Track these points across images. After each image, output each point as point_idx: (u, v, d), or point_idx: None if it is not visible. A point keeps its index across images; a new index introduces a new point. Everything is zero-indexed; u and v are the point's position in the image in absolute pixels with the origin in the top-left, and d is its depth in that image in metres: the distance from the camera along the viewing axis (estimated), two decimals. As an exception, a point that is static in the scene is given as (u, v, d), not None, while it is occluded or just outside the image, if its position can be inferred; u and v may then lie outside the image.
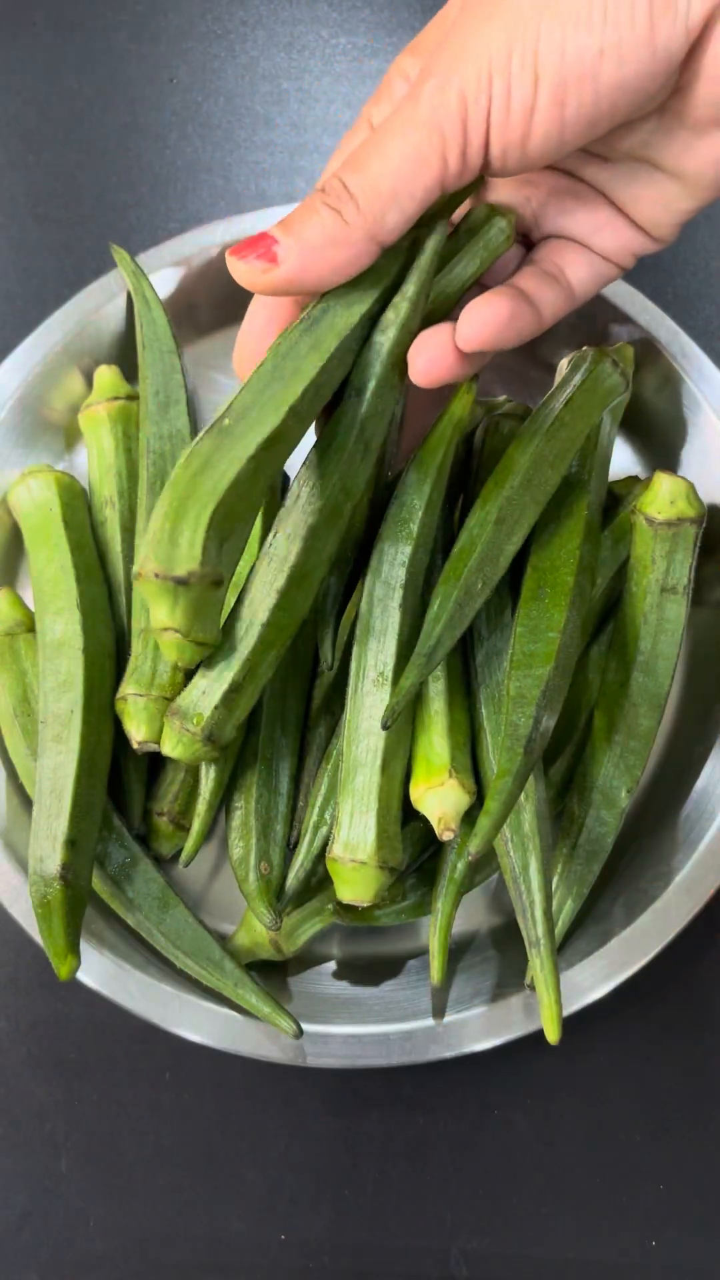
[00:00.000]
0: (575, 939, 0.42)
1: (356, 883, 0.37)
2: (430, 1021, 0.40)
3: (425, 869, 0.43)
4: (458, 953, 0.43)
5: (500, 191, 0.41)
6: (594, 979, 0.40)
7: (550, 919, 0.38)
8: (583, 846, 0.42)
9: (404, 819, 0.43)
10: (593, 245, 0.40)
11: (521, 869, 0.39)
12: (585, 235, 0.40)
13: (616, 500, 0.48)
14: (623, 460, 0.53)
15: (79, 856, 0.39)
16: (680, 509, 0.43)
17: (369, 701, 0.39)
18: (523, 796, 0.39)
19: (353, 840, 0.38)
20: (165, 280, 0.52)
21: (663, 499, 0.43)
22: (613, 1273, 0.42)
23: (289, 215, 0.34)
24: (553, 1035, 0.37)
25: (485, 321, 0.36)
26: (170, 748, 0.37)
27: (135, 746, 0.40)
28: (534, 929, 0.38)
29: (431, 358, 0.37)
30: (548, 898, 0.38)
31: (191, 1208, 0.43)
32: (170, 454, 0.47)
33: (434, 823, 0.38)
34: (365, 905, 0.37)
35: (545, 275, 0.39)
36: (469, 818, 0.41)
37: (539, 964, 0.37)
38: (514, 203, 0.41)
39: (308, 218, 0.33)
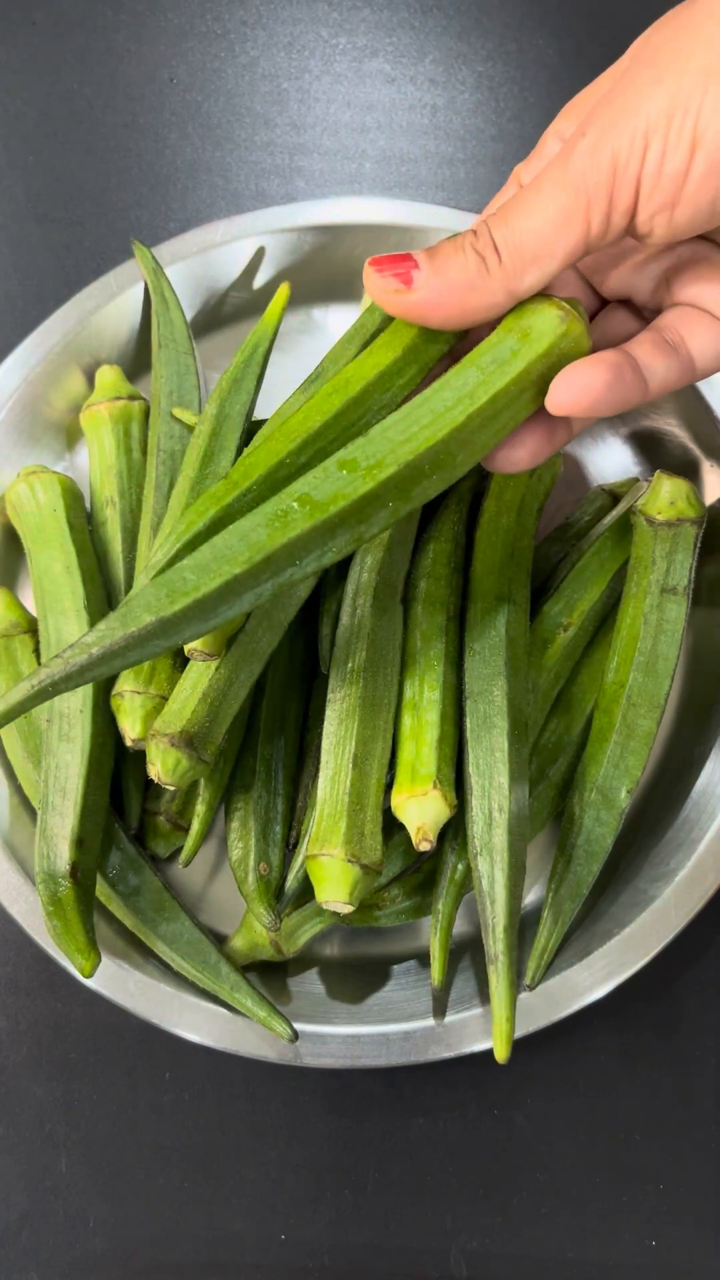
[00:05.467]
0: (575, 939, 0.42)
1: (329, 880, 0.37)
2: (430, 1021, 0.40)
3: (425, 870, 0.43)
4: (457, 953, 0.43)
5: (631, 270, 0.39)
6: (594, 979, 0.40)
7: (511, 937, 0.38)
8: (582, 846, 0.42)
9: (398, 828, 0.43)
10: None
11: (489, 885, 0.38)
12: (717, 305, 0.37)
13: (615, 501, 0.49)
14: (623, 460, 0.53)
15: (87, 855, 0.39)
16: (680, 509, 0.43)
17: (339, 696, 0.40)
18: (498, 810, 0.39)
19: (321, 833, 0.38)
20: (165, 280, 0.52)
21: (663, 499, 0.43)
22: (613, 1273, 0.42)
23: (436, 245, 0.34)
24: (501, 1054, 0.36)
25: (581, 387, 0.34)
26: (157, 770, 0.38)
27: (129, 744, 0.40)
28: (494, 945, 0.38)
29: (516, 434, 0.36)
30: (510, 914, 0.38)
31: (191, 1208, 0.43)
32: (180, 454, 0.47)
33: (412, 832, 0.38)
34: (345, 907, 0.37)
35: (663, 344, 0.36)
36: (459, 828, 0.42)
37: (495, 980, 0.37)
38: (638, 282, 0.39)
39: (453, 255, 0.33)
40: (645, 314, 0.39)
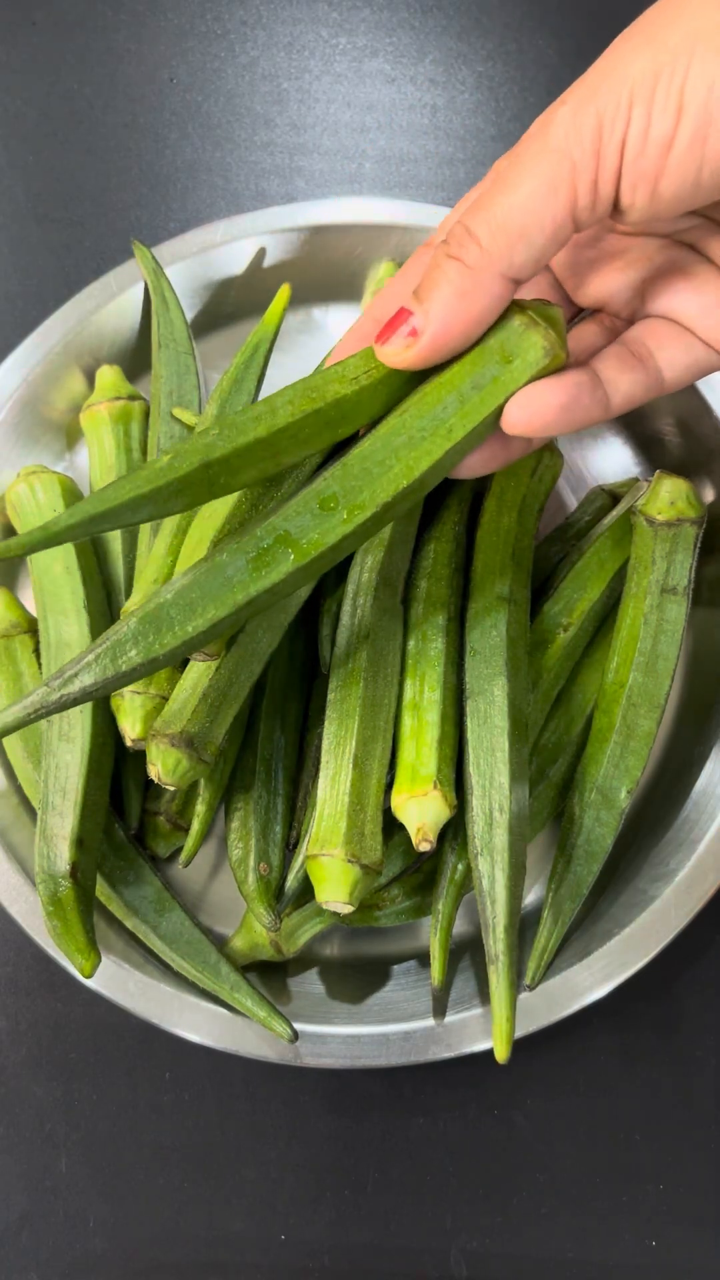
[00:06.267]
0: (575, 939, 0.42)
1: (329, 880, 0.37)
2: (430, 1021, 0.40)
3: (425, 870, 0.43)
4: (457, 953, 0.43)
5: (607, 276, 0.38)
6: (594, 979, 0.40)
7: (511, 937, 0.37)
8: (582, 846, 0.42)
9: (398, 828, 0.43)
10: (696, 329, 0.36)
11: (489, 884, 0.38)
12: (690, 317, 0.36)
13: (615, 501, 0.49)
14: (623, 460, 0.53)
15: (87, 855, 0.39)
16: (680, 509, 0.43)
17: (339, 696, 0.40)
18: (499, 810, 0.39)
19: (322, 834, 0.38)
20: (165, 280, 0.52)
21: (663, 499, 0.43)
22: (613, 1273, 0.42)
23: (420, 280, 0.33)
24: (501, 1054, 0.36)
25: (536, 408, 0.33)
26: (157, 770, 0.38)
27: (129, 744, 0.40)
28: (495, 945, 0.37)
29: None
30: (511, 914, 0.38)
31: (191, 1208, 0.43)
32: None
33: (412, 833, 0.38)
34: (345, 907, 0.37)
35: (629, 357, 0.35)
36: (459, 829, 0.42)
37: (495, 980, 0.37)
38: (613, 290, 0.37)
39: (432, 275, 0.32)
40: (619, 324, 0.38)
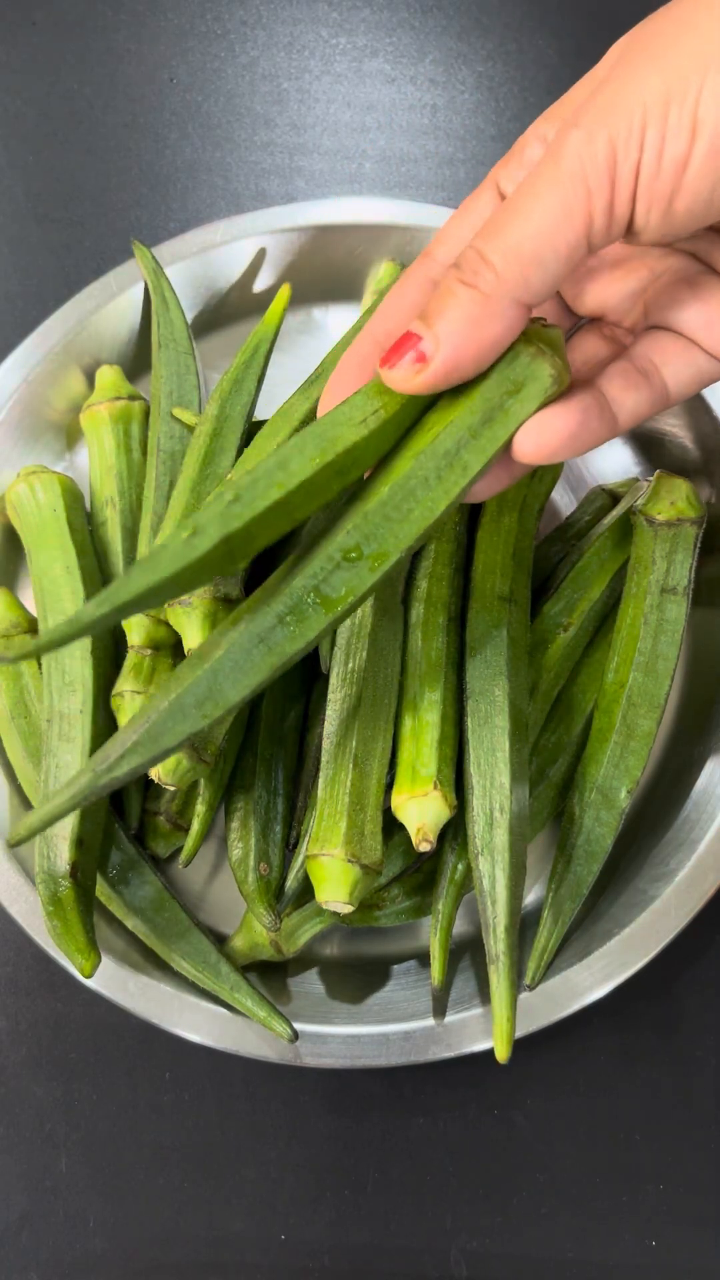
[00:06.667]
0: (575, 939, 0.42)
1: (329, 879, 0.37)
2: (430, 1021, 0.41)
3: (425, 870, 0.43)
4: (457, 953, 0.43)
5: (606, 285, 0.37)
6: (594, 979, 0.40)
7: (512, 937, 0.38)
8: (582, 846, 0.42)
9: (398, 828, 0.43)
10: (701, 340, 0.35)
11: (490, 884, 0.38)
12: (694, 329, 0.35)
13: (615, 501, 0.49)
14: (623, 460, 0.53)
15: (87, 855, 0.39)
16: (680, 509, 0.43)
17: (339, 696, 0.40)
18: (499, 810, 0.39)
19: (322, 833, 0.38)
20: (165, 280, 0.52)
21: (663, 499, 0.43)
22: (613, 1273, 0.42)
23: (429, 303, 0.32)
24: (501, 1054, 0.36)
25: (546, 435, 0.33)
26: (157, 770, 0.38)
27: None
28: (495, 945, 0.38)
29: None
30: (512, 914, 0.38)
31: (191, 1208, 0.43)
32: (180, 454, 0.47)
33: (412, 833, 0.38)
34: (345, 907, 0.37)
35: (635, 374, 0.35)
36: (459, 829, 0.42)
37: (496, 980, 0.37)
38: (613, 299, 0.37)
39: (443, 300, 0.32)
40: (619, 332, 0.38)
